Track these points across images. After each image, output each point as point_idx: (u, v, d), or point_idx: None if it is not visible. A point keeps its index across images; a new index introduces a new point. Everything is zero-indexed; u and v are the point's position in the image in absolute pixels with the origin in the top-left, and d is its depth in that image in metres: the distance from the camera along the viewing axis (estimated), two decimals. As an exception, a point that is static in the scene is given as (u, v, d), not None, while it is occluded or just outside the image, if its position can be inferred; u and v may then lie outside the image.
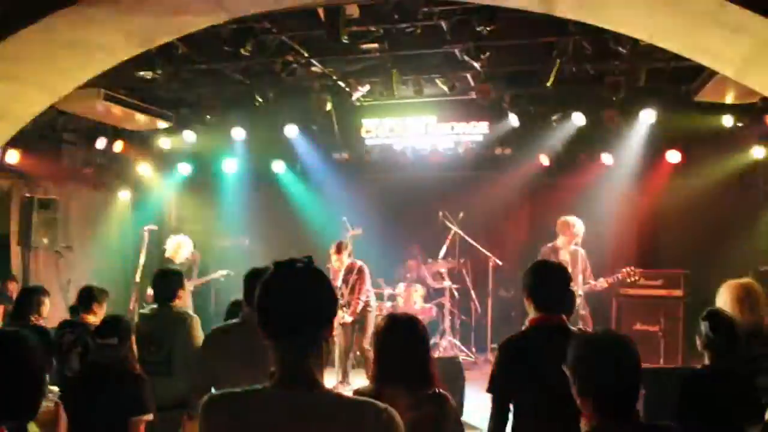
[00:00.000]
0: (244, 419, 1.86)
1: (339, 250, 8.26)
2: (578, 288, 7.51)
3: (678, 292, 8.94)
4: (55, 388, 4.33)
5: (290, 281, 1.92)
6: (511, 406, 3.62)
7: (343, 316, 8.04)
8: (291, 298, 1.90)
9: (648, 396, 5.29)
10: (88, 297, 5.42)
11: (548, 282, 3.62)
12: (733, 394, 3.47)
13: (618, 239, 9.86)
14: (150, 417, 3.86)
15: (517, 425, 3.58)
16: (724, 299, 4.20)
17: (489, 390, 3.62)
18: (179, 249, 8.54)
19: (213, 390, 3.81)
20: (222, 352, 3.83)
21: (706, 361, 3.64)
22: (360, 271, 8.25)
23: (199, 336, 5.02)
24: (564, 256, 7.80)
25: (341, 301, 8.09)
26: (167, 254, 8.56)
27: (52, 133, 9.89)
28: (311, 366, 1.89)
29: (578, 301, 7.37)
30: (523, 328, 3.71)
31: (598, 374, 2.36)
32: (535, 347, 3.56)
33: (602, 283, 7.90)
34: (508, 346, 3.65)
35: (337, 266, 8.26)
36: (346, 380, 8.05)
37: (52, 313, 5.81)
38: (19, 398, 2.23)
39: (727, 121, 8.94)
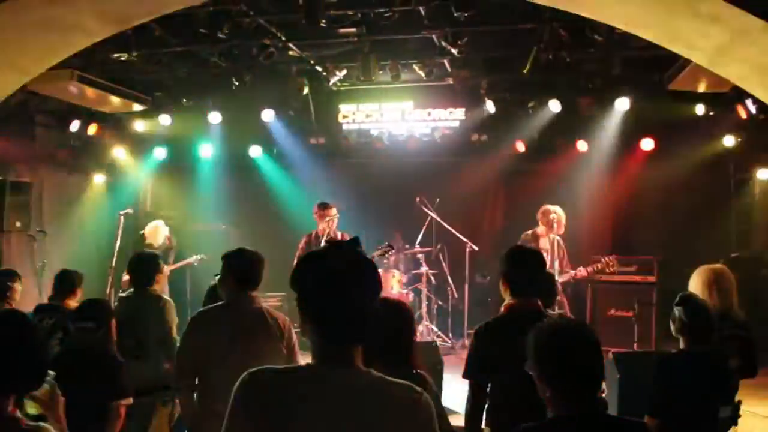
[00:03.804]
0: (286, 396, 1.87)
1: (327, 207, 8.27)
2: (556, 274, 7.58)
3: (651, 278, 9.06)
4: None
5: (345, 273, 1.90)
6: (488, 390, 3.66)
7: None
8: (344, 290, 1.88)
9: (622, 379, 5.38)
10: (68, 281, 5.36)
11: (524, 267, 3.66)
12: (709, 378, 3.54)
13: (592, 226, 9.96)
14: (130, 401, 3.86)
15: (493, 408, 3.62)
16: (695, 283, 4.32)
17: (465, 375, 3.65)
18: (157, 233, 8.70)
19: (196, 374, 3.84)
20: (209, 336, 3.82)
21: (681, 345, 3.69)
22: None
23: (173, 320, 5.02)
24: (544, 244, 7.87)
25: None
26: (147, 239, 8.64)
27: (25, 115, 9.71)
28: (352, 349, 1.91)
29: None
30: (499, 313, 3.74)
31: (558, 363, 2.37)
32: (509, 332, 3.58)
33: (582, 271, 8.02)
34: (482, 332, 3.67)
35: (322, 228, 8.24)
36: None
37: (27, 298, 5.74)
38: (18, 372, 2.24)
39: (700, 109, 9.06)
